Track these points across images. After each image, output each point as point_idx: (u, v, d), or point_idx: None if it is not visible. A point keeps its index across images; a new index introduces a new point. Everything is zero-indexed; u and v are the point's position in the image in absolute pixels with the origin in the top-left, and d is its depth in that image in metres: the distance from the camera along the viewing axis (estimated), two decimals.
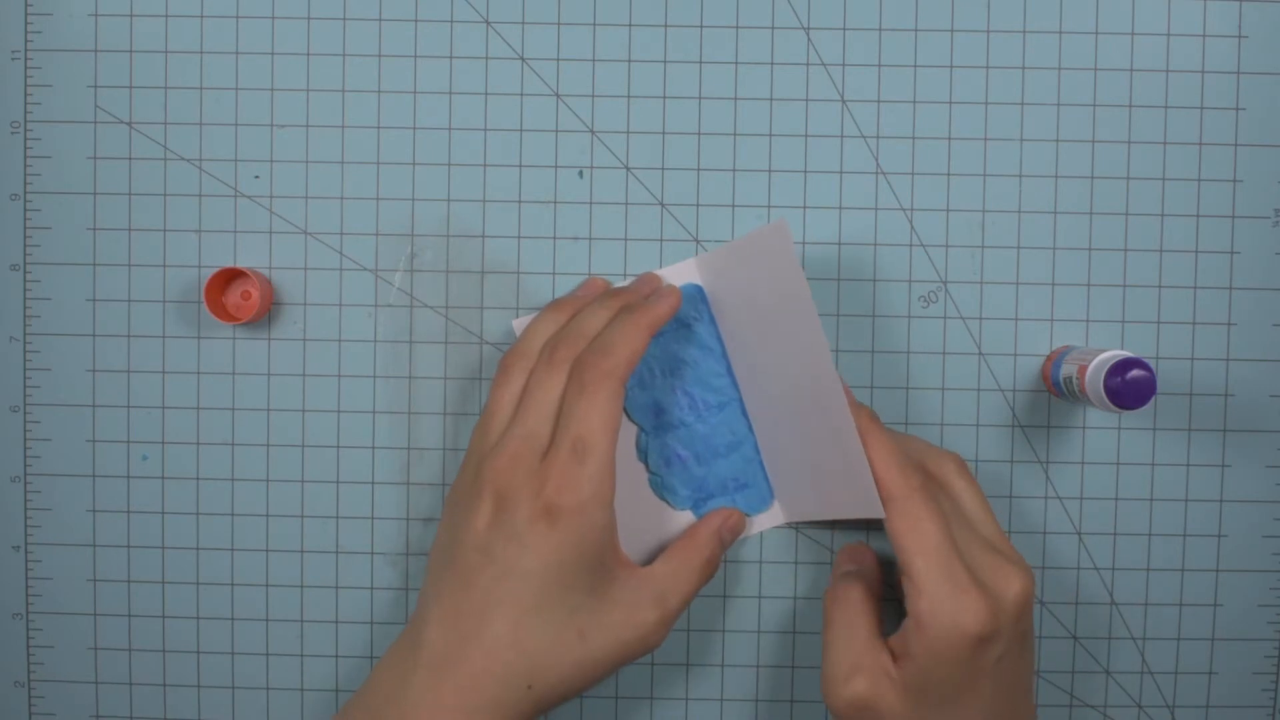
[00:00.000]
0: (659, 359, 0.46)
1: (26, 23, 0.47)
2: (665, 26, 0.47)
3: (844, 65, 0.47)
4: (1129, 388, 0.41)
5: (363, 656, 0.47)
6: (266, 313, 0.47)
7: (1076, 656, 0.47)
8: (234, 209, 0.47)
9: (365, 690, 0.40)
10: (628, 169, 0.47)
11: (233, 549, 0.47)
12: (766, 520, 0.46)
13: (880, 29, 0.46)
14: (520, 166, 0.47)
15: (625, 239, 0.47)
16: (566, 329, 0.42)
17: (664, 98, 0.47)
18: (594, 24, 0.47)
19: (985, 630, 0.38)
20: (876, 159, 0.47)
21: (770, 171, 0.47)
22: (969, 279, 0.47)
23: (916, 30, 0.46)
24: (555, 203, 0.47)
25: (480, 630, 0.38)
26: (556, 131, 0.47)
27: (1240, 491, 0.47)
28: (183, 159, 0.47)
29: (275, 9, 0.47)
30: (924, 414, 0.47)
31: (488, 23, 0.47)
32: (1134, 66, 0.46)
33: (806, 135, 0.47)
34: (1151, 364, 0.43)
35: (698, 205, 0.47)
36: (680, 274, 0.46)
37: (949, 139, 0.46)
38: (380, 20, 0.47)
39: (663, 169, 0.47)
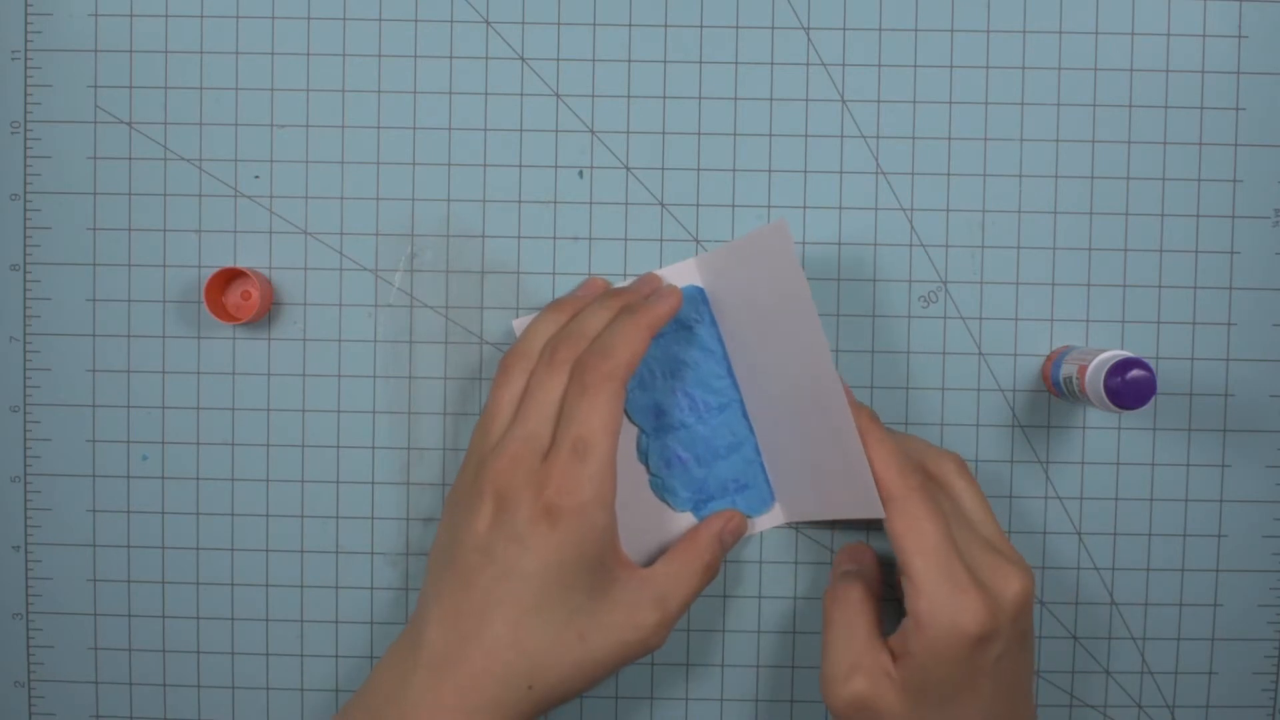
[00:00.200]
0: (660, 360, 0.46)
1: (26, 23, 0.47)
2: (665, 26, 0.47)
3: (844, 65, 0.47)
4: (1129, 388, 0.41)
5: (363, 656, 0.47)
6: (266, 313, 0.47)
7: (1076, 656, 0.47)
8: (234, 209, 0.47)
9: (365, 690, 0.40)
10: (628, 169, 0.47)
11: (233, 549, 0.47)
12: (767, 521, 0.46)
13: (880, 29, 0.46)
14: (520, 166, 0.47)
15: (625, 239, 0.47)
16: (567, 329, 0.42)
17: (664, 98, 0.47)
18: (594, 24, 0.47)
19: (984, 630, 0.38)
20: (876, 159, 0.47)
21: (770, 171, 0.47)
22: (969, 279, 0.47)
23: (916, 30, 0.46)
24: (555, 203, 0.47)
25: (480, 630, 0.38)
26: (556, 131, 0.47)
27: (1240, 491, 0.47)
28: (183, 159, 0.47)
29: (275, 9, 0.47)
30: (924, 414, 0.47)
31: (488, 23, 0.47)
32: (1134, 66, 0.46)
33: (806, 135, 0.47)
34: (1151, 364, 0.43)
35: (698, 205, 0.47)
36: (680, 274, 0.46)
37: (949, 139, 0.46)
38: (380, 20, 0.47)
39: (663, 169, 0.47)
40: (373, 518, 0.47)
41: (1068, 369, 0.43)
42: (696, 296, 0.46)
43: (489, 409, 0.42)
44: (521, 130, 0.47)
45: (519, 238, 0.47)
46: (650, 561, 0.43)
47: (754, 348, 0.45)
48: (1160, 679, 0.47)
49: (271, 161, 0.47)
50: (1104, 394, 0.41)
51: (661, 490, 0.46)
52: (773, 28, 0.47)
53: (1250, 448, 0.47)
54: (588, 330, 0.41)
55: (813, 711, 0.47)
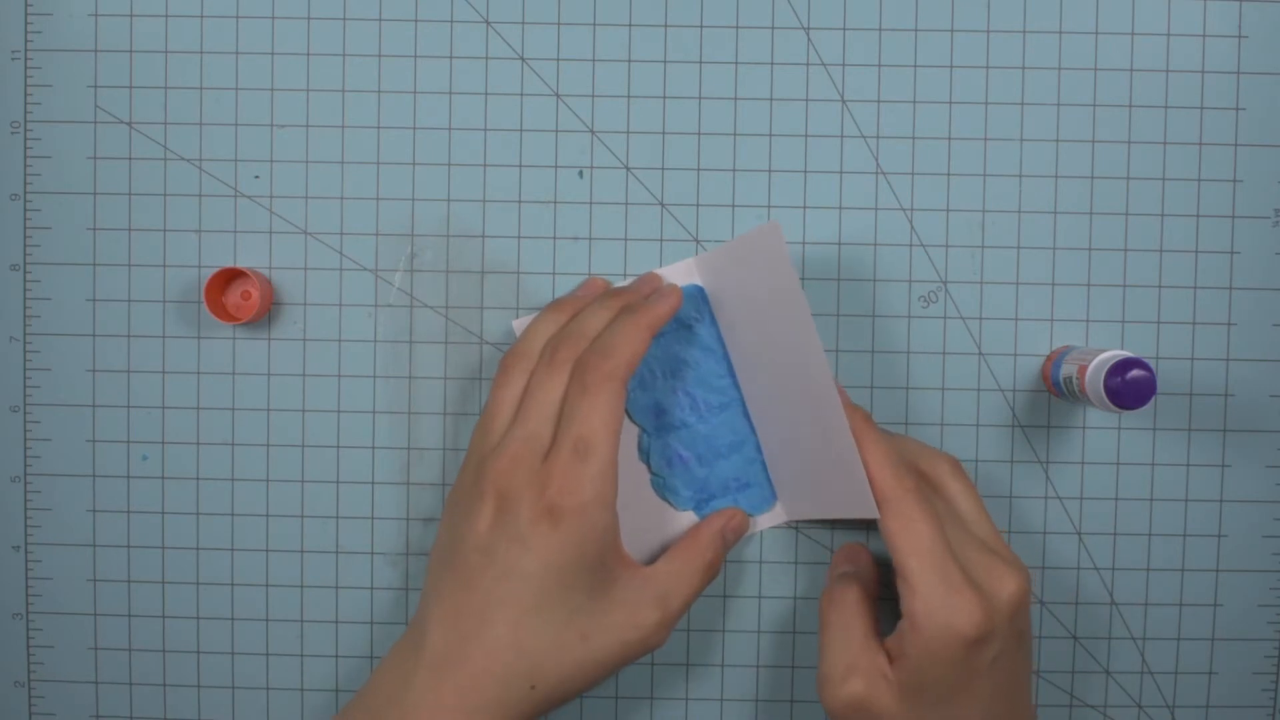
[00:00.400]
0: (660, 360, 0.46)
1: (26, 23, 0.47)
2: (665, 26, 0.47)
3: (844, 65, 0.47)
4: (1129, 388, 0.41)
5: (363, 656, 0.47)
6: (266, 313, 0.47)
7: (1076, 656, 0.47)
8: (234, 209, 0.47)
9: (366, 691, 0.40)
10: (628, 169, 0.47)
11: (233, 549, 0.47)
12: (769, 520, 0.46)
13: (880, 29, 0.46)
14: (520, 166, 0.47)
15: (625, 239, 0.47)
16: (567, 329, 0.42)
17: (664, 98, 0.47)
18: (594, 24, 0.47)
19: (979, 631, 0.38)
20: (876, 159, 0.47)
21: (770, 171, 0.47)
22: (969, 279, 0.47)
23: (916, 30, 0.46)
24: (555, 203, 0.47)
25: (481, 631, 0.38)
26: (556, 131, 0.47)
27: (1240, 491, 0.47)
28: (183, 159, 0.47)
29: (275, 9, 0.47)
30: (924, 414, 0.47)
31: (488, 23, 0.47)
32: (1134, 66, 0.46)
33: (806, 135, 0.47)
34: (1151, 364, 0.43)
35: (698, 205, 0.47)
36: (680, 274, 0.46)
37: (949, 139, 0.46)
38: (380, 20, 0.47)
39: (663, 169, 0.47)
40: (373, 518, 0.47)
41: (1068, 369, 0.43)
42: (697, 295, 0.46)
43: (489, 409, 0.42)
44: (521, 130, 0.47)
45: (519, 238, 0.47)
46: (652, 561, 0.43)
47: (752, 347, 0.45)
48: (1160, 679, 0.47)
49: (271, 161, 0.47)
50: (1104, 394, 0.41)
51: (663, 490, 0.46)
52: (773, 28, 0.47)
53: (1250, 448, 0.47)
54: (588, 330, 0.41)
55: (812, 711, 0.47)
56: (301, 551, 0.47)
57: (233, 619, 0.47)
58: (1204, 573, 0.47)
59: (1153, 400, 0.42)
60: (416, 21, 0.47)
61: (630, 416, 0.46)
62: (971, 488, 0.42)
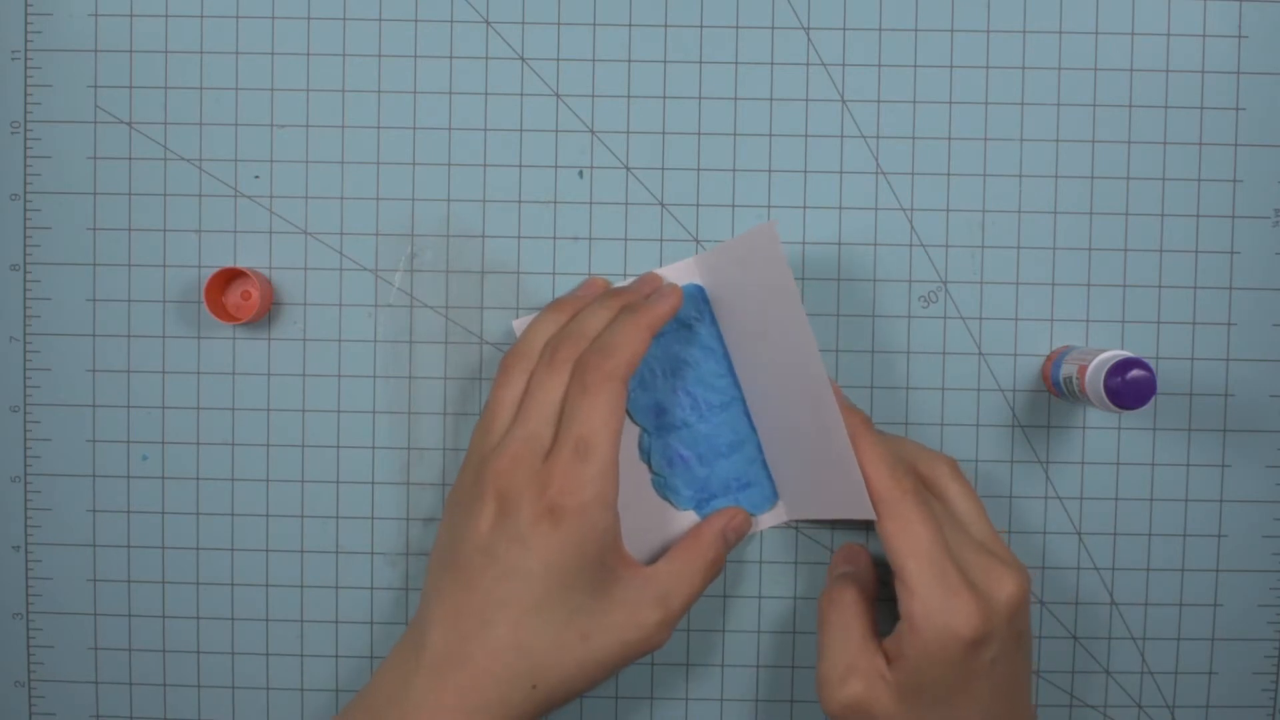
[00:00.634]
0: (660, 360, 0.46)
1: (26, 23, 0.47)
2: (665, 26, 0.47)
3: (844, 65, 0.47)
4: (1129, 388, 0.41)
5: (363, 656, 0.47)
6: (266, 313, 0.47)
7: (1076, 656, 0.47)
8: (234, 209, 0.47)
9: (367, 691, 0.40)
10: (628, 169, 0.47)
11: (233, 549, 0.47)
12: (770, 519, 0.46)
13: (880, 29, 0.46)
14: (520, 166, 0.47)
15: (625, 239, 0.47)
16: (567, 329, 0.42)
17: (664, 98, 0.47)
18: (594, 24, 0.47)
19: (977, 632, 0.38)
20: (876, 159, 0.47)
21: (770, 171, 0.47)
22: (969, 279, 0.47)
23: (916, 30, 0.46)
24: (555, 203, 0.47)
25: (482, 631, 0.38)
26: (556, 131, 0.47)
27: (1240, 491, 0.47)
28: (183, 159, 0.47)
29: (275, 9, 0.47)
30: (924, 414, 0.47)
31: (488, 23, 0.47)
32: (1134, 66, 0.46)
33: (806, 135, 0.47)
34: (1151, 364, 0.43)
35: (698, 205, 0.47)
36: (680, 273, 0.46)
37: (949, 139, 0.46)
38: (380, 20, 0.47)
39: (663, 169, 0.47)
40: (373, 518, 0.47)
41: (1068, 369, 0.43)
42: (697, 295, 0.46)
43: (489, 409, 0.42)
44: (521, 130, 0.47)
45: (519, 238, 0.47)
46: (653, 560, 0.43)
47: (751, 347, 0.45)
48: (1160, 679, 0.47)
49: (271, 161, 0.47)
50: (1104, 394, 0.41)
51: (664, 489, 0.46)
52: (773, 28, 0.47)
53: (1250, 448, 0.47)
54: (588, 330, 0.41)
55: (812, 711, 0.47)
56: (301, 551, 0.47)
57: (233, 619, 0.47)
58: (1204, 573, 0.47)
59: (1153, 400, 0.42)
60: (416, 21, 0.47)
61: (631, 416, 0.46)
62: (970, 489, 0.42)
